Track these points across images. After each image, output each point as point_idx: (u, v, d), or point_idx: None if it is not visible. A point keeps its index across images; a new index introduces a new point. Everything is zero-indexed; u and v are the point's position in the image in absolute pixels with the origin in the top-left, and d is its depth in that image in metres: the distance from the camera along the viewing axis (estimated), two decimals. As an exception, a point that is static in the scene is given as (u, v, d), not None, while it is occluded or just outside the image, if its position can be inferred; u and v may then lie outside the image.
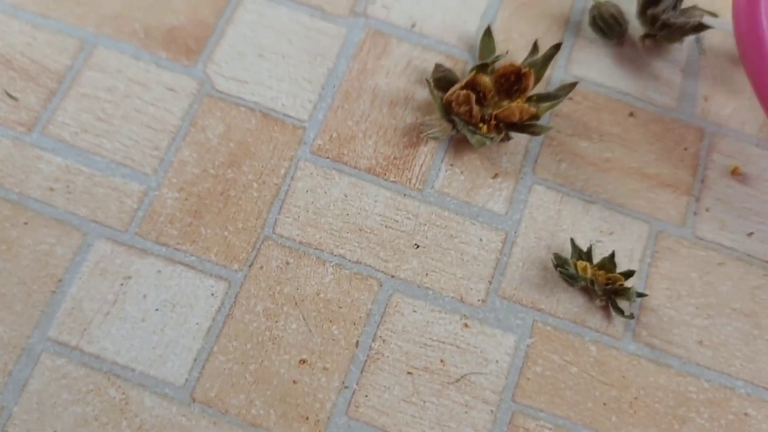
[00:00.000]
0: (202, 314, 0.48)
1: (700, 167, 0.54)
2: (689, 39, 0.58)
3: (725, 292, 0.51)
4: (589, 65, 0.57)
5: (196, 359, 0.47)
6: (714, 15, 0.57)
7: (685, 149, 0.55)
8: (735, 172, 0.55)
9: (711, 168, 0.54)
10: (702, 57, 0.58)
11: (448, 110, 0.53)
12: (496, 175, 0.53)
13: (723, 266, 0.52)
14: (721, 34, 0.59)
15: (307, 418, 0.46)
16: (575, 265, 0.50)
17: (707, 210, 0.53)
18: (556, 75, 0.56)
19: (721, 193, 0.54)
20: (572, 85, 0.53)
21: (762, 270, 0.52)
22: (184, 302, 0.48)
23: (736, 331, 0.50)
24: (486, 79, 0.53)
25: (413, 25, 0.56)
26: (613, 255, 0.49)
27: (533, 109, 0.52)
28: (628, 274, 0.50)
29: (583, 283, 0.50)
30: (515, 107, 0.52)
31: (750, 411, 0.49)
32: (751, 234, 0.53)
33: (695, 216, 0.53)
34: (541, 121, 0.54)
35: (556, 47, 0.54)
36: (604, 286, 0.50)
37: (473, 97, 0.52)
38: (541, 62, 0.54)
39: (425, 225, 0.51)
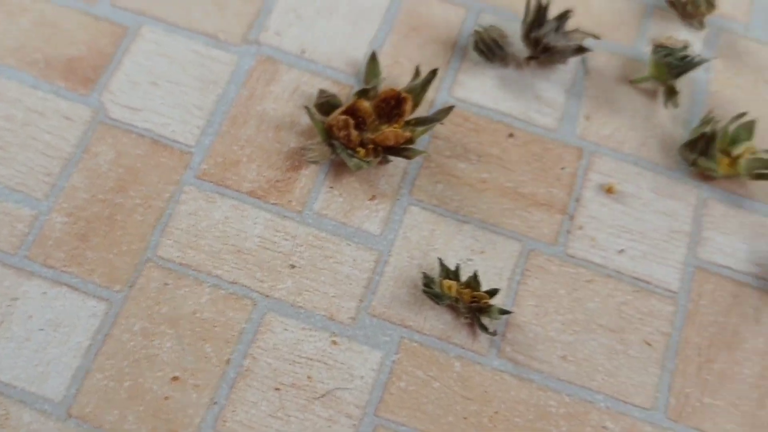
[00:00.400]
0: (83, 333, 0.51)
1: (576, 186, 0.56)
2: (575, 59, 0.60)
3: (592, 309, 0.53)
4: (473, 88, 0.58)
5: (74, 376, 0.50)
6: (596, 37, 0.58)
7: (563, 169, 0.56)
8: (610, 191, 0.56)
9: (587, 187, 0.56)
10: (586, 77, 0.59)
11: (329, 134, 0.55)
12: (373, 197, 0.55)
13: (592, 283, 0.54)
14: (606, 54, 0.60)
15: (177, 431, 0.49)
16: (441, 284, 0.52)
17: (580, 228, 0.55)
18: (440, 98, 0.58)
19: (595, 212, 0.55)
20: (448, 109, 0.55)
21: (630, 286, 0.54)
22: (67, 322, 0.51)
23: (601, 347, 0.52)
24: (366, 104, 0.55)
25: (303, 51, 0.59)
26: (476, 274, 0.51)
27: (408, 134, 0.54)
28: (493, 292, 0.52)
29: (448, 301, 0.52)
30: (389, 132, 0.54)
31: (608, 424, 0.51)
32: (621, 251, 0.55)
33: (568, 234, 0.55)
34: (422, 144, 0.56)
35: (433, 72, 0.56)
36: (469, 304, 0.52)
37: (351, 122, 0.54)
38: (420, 87, 0.56)
39: (302, 246, 0.53)
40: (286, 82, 0.58)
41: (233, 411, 0.49)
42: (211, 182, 0.55)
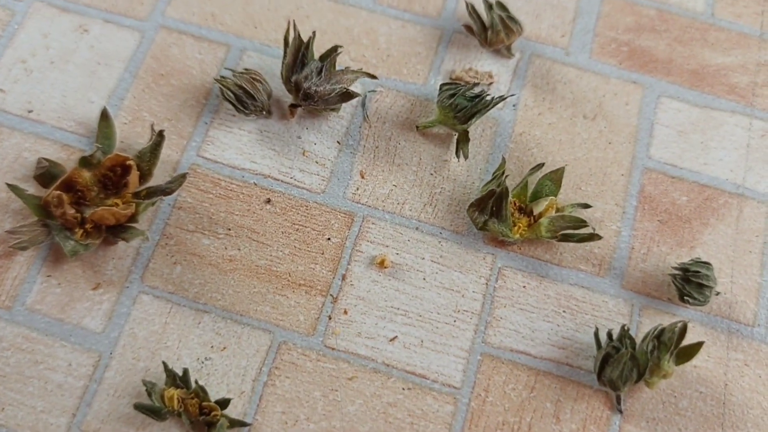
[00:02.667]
0: None
1: (342, 260, 0.49)
2: (353, 104, 0.52)
3: (353, 413, 0.46)
4: (226, 145, 0.51)
5: None
6: (372, 76, 0.51)
7: (328, 239, 0.49)
8: (383, 264, 0.49)
9: (356, 260, 0.49)
10: (365, 124, 0.52)
11: (46, 213, 0.48)
12: (97, 286, 0.48)
13: (354, 381, 0.47)
14: (392, 95, 0.53)
15: None
16: (162, 394, 0.45)
17: (345, 312, 0.48)
18: (186, 159, 0.51)
19: (364, 291, 0.48)
20: (181, 178, 0.48)
21: (401, 382, 0.47)
22: None
23: (361, 460, 0.45)
24: (86, 175, 0.48)
25: (30, 111, 0.52)
26: (197, 383, 0.45)
27: (128, 211, 0.47)
28: (224, 404, 0.45)
29: (169, 415, 0.45)
30: (104, 210, 0.47)
31: None
32: (394, 339, 0.48)
33: (329, 321, 0.48)
34: (163, 216, 0.49)
35: (160, 135, 0.49)
36: (197, 417, 0.45)
37: (65, 198, 0.47)
38: (149, 152, 0.49)
39: (9, 350, 0.47)
40: (6, 149, 0.51)
41: None
42: None
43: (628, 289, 0.50)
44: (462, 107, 0.50)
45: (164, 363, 0.46)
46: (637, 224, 0.51)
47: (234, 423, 0.45)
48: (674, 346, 0.47)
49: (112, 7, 0.55)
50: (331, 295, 0.49)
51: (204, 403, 0.46)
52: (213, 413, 0.45)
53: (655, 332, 0.47)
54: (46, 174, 0.50)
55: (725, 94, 0.55)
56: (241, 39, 0.54)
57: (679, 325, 0.47)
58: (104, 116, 0.51)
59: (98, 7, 0.55)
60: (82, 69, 0.53)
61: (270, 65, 0.54)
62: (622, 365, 0.46)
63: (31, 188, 0.50)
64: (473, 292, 0.49)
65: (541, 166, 0.50)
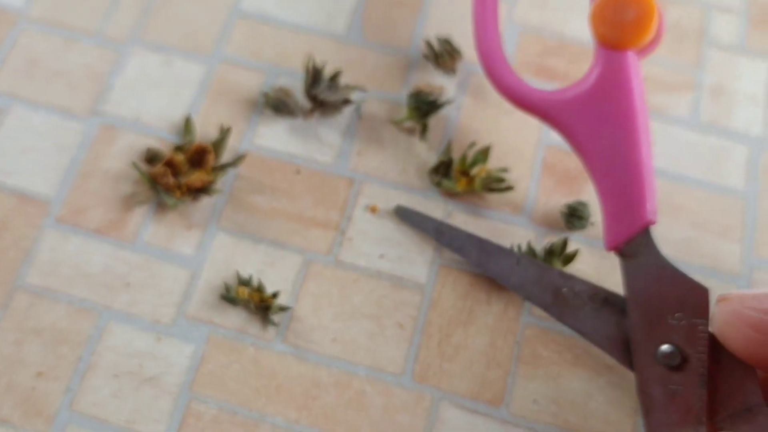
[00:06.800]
0: (-29, 345, 0.78)
1: (348, 208, 0.83)
2: (350, 108, 0.87)
3: (358, 302, 0.80)
4: (268, 136, 0.86)
5: (-35, 377, 0.77)
6: (363, 90, 0.85)
7: (338, 196, 0.83)
8: (374, 210, 0.83)
9: (356, 208, 0.83)
10: (359, 121, 0.86)
11: (154, 182, 0.83)
12: (189, 227, 0.82)
13: (357, 282, 0.80)
14: (376, 102, 0.87)
15: (42, 413, 0.76)
16: (237, 290, 0.79)
17: (350, 240, 0.82)
18: (243, 146, 0.85)
19: (362, 227, 0.82)
20: (241, 157, 0.83)
21: (388, 282, 0.80)
22: (-42, 337, 0.78)
23: (363, 330, 0.79)
24: (180, 157, 0.83)
25: (138, 118, 0.86)
26: (260, 281, 0.78)
27: (209, 177, 0.82)
28: (275, 295, 0.79)
29: (242, 303, 0.79)
30: (195, 178, 0.81)
31: (367, 389, 0.77)
32: (382, 256, 0.81)
33: (340, 246, 0.82)
34: (229, 184, 0.84)
35: (227, 130, 0.83)
36: (258, 304, 0.79)
37: (168, 171, 0.81)
38: (220, 141, 0.83)
39: (135, 269, 0.80)
40: (124, 143, 0.85)
41: (84, 395, 0.76)
42: (67, 224, 0.82)
43: (534, 222, 0.84)
44: (424, 108, 0.85)
45: (237, 271, 0.80)
46: (541, 182, 0.86)
47: (282, 308, 0.79)
48: (560, 253, 0.81)
49: (191, 47, 0.90)
50: (340, 230, 0.83)
51: (262, 295, 0.79)
52: (269, 301, 0.79)
53: (548, 246, 0.81)
54: (153, 157, 0.84)
55: (601, 96, 0.89)
56: (274, 68, 0.89)
57: (563, 239, 0.81)
58: (188, 121, 0.85)
59: (179, 46, 0.90)
60: (169, 91, 0.88)
61: (294, 84, 0.88)
62: (527, 265, 0.80)
63: (142, 166, 0.84)
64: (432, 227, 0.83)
65: (473, 144, 0.84)
